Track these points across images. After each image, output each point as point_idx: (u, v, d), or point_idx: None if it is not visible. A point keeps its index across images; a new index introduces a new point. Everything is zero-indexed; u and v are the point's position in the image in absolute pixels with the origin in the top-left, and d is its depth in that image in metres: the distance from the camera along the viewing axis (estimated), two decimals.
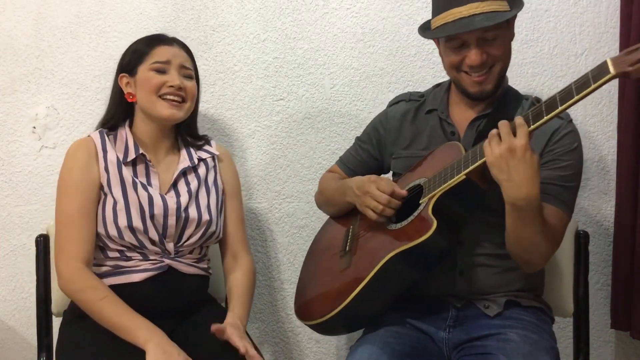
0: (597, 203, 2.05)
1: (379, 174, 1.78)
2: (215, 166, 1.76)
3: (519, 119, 1.35)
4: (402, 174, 1.69)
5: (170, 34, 1.72)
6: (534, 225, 1.40)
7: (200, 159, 1.73)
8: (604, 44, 2.00)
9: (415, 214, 1.51)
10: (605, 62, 1.25)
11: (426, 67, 2.06)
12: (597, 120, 2.02)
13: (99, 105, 2.05)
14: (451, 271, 1.55)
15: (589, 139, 2.03)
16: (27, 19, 2.07)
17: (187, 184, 1.68)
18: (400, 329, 1.55)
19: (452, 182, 1.46)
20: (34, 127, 2.08)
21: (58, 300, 1.77)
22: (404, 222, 1.52)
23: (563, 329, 2.03)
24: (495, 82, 1.57)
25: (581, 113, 2.02)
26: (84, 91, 2.08)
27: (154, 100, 1.63)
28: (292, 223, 2.12)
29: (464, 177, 1.44)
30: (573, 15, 2.01)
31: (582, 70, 2.00)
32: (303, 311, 1.68)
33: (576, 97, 1.27)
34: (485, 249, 1.56)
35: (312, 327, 1.62)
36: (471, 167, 1.43)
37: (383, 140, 1.76)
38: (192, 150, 1.73)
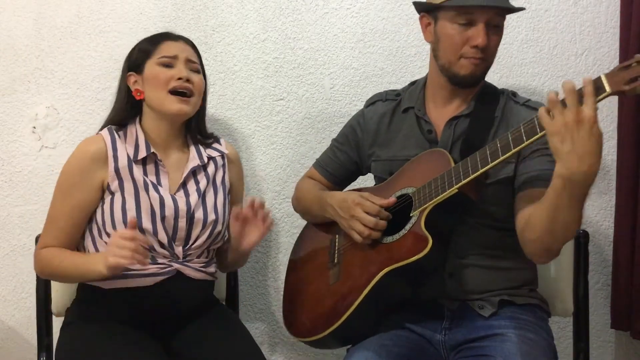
0: (597, 203, 2.04)
1: (356, 177, 1.81)
2: (224, 165, 1.75)
3: (588, 87, 1.21)
4: (383, 177, 1.67)
5: None
6: (576, 206, 1.30)
7: (209, 157, 1.72)
8: (604, 44, 2.00)
9: (407, 227, 1.50)
10: (599, 79, 1.22)
11: (426, 67, 2.02)
12: None
13: (99, 105, 2.05)
14: (440, 274, 1.54)
15: None
16: (27, 19, 2.06)
17: (197, 182, 1.67)
18: (397, 331, 1.55)
19: (444, 196, 1.44)
20: (34, 127, 2.08)
21: (58, 300, 1.77)
22: (396, 236, 1.51)
23: (563, 329, 2.03)
24: (483, 71, 1.57)
25: None
26: (84, 91, 2.08)
27: (162, 96, 1.62)
28: (292, 223, 2.12)
29: (456, 190, 1.42)
30: (573, 15, 2.01)
31: (582, 70, 2.01)
32: (295, 327, 1.68)
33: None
34: (472, 250, 1.55)
35: (305, 342, 1.64)
36: (464, 182, 1.41)
37: (361, 142, 1.74)
38: (201, 148, 1.72)
